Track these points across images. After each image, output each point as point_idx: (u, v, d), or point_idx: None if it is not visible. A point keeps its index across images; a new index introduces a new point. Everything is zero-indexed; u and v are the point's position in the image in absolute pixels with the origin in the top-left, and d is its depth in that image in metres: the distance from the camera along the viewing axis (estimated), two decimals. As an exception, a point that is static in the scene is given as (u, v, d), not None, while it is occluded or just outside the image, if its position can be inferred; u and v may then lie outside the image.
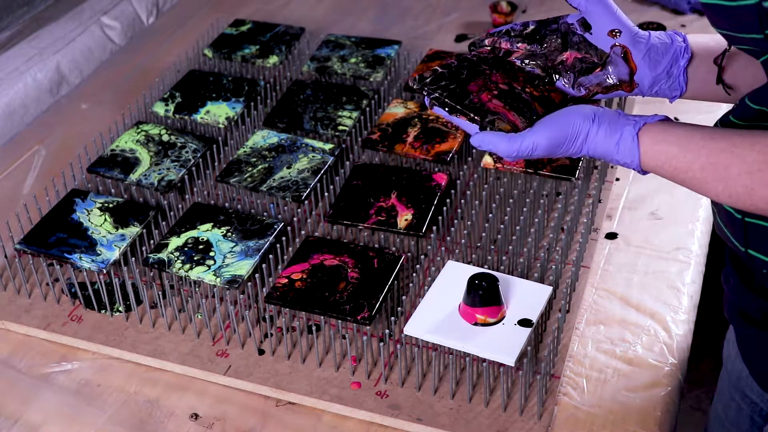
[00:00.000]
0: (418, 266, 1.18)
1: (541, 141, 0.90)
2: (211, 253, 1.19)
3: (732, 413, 1.11)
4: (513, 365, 0.98)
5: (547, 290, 1.07)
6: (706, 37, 0.99)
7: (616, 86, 0.98)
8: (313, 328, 1.15)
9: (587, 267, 1.24)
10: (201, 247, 1.21)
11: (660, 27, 1.73)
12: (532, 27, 1.00)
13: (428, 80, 0.94)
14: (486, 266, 1.18)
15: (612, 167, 1.41)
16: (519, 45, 0.99)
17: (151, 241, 1.24)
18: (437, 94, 0.93)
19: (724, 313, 1.02)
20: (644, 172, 0.90)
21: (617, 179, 1.40)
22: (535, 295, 1.07)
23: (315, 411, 1.07)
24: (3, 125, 1.57)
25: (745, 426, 1.09)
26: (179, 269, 1.17)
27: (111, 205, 1.29)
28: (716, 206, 0.93)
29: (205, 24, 1.84)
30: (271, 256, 1.19)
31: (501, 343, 0.99)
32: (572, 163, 1.29)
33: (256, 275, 1.16)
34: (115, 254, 1.21)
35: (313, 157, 1.36)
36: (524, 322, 1.02)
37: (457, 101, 0.92)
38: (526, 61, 0.98)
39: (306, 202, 1.30)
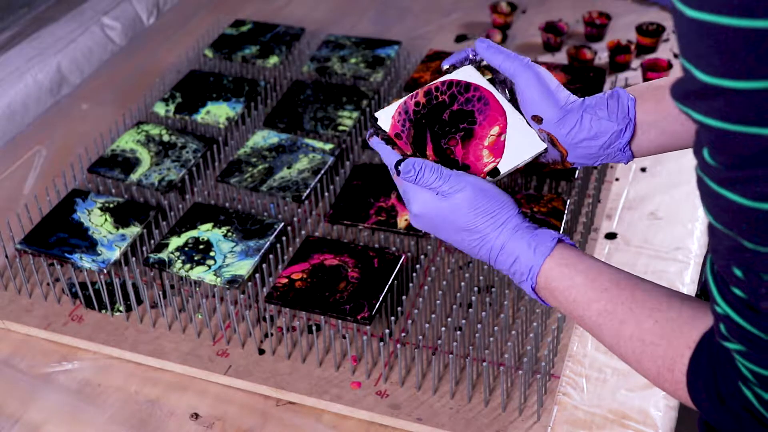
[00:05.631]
0: (418, 266, 1.18)
1: (468, 190, 0.84)
2: (212, 253, 1.20)
3: None
4: None
5: (539, 146, 0.90)
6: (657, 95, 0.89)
7: (549, 166, 0.93)
8: (313, 327, 1.15)
9: (587, 267, 1.24)
10: (201, 247, 1.21)
11: (660, 27, 1.73)
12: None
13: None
14: (486, 265, 1.18)
15: (611, 167, 1.41)
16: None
17: (152, 241, 1.24)
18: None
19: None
20: (532, 291, 0.82)
21: (617, 179, 1.40)
22: (526, 144, 0.91)
23: (315, 411, 1.07)
24: (4, 125, 1.57)
25: None
26: (180, 269, 1.18)
27: (111, 205, 1.29)
28: None
29: (206, 24, 1.85)
30: (271, 256, 1.19)
31: None
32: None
33: (257, 275, 1.16)
34: (115, 254, 1.21)
35: (313, 157, 1.36)
36: (492, 172, 0.90)
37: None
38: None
39: (306, 202, 1.30)
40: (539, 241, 0.81)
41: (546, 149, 0.90)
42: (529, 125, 0.90)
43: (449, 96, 0.92)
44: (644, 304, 0.73)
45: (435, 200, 0.85)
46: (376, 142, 0.91)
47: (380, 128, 0.91)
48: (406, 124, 0.91)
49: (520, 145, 0.90)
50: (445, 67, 0.94)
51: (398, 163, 0.87)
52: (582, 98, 0.91)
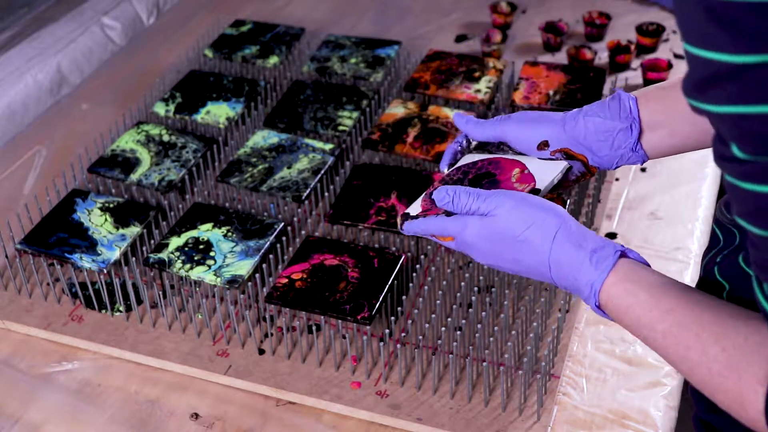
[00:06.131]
0: (418, 266, 1.18)
1: (508, 202, 0.83)
2: (212, 253, 1.20)
3: None
4: None
5: (561, 164, 0.94)
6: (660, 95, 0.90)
7: (578, 179, 0.95)
8: (313, 327, 1.15)
9: (587, 267, 1.24)
10: (201, 247, 1.21)
11: (660, 27, 1.73)
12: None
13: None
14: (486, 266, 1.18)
15: (612, 167, 1.41)
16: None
17: (152, 241, 1.24)
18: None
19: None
20: (597, 307, 0.79)
21: (617, 179, 1.40)
22: (549, 169, 0.95)
23: (315, 411, 1.07)
24: (4, 125, 1.57)
25: None
26: (180, 269, 1.18)
27: (111, 205, 1.29)
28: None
29: (206, 24, 1.85)
30: (271, 256, 1.19)
31: None
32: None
33: (257, 275, 1.16)
34: (115, 254, 1.21)
35: (313, 157, 1.36)
36: (532, 191, 0.93)
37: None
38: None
39: (306, 202, 1.30)
40: (600, 256, 0.78)
41: (569, 166, 0.93)
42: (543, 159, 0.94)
43: (462, 173, 0.96)
44: (710, 329, 0.69)
45: (481, 222, 0.84)
46: (408, 226, 0.92)
47: (411, 216, 0.94)
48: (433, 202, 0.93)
49: (545, 171, 0.93)
50: (444, 169, 0.99)
51: (430, 195, 0.90)
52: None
